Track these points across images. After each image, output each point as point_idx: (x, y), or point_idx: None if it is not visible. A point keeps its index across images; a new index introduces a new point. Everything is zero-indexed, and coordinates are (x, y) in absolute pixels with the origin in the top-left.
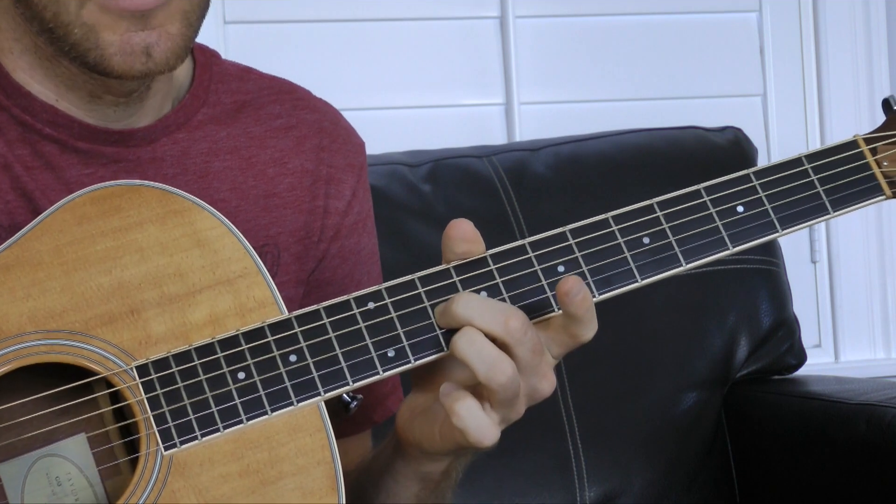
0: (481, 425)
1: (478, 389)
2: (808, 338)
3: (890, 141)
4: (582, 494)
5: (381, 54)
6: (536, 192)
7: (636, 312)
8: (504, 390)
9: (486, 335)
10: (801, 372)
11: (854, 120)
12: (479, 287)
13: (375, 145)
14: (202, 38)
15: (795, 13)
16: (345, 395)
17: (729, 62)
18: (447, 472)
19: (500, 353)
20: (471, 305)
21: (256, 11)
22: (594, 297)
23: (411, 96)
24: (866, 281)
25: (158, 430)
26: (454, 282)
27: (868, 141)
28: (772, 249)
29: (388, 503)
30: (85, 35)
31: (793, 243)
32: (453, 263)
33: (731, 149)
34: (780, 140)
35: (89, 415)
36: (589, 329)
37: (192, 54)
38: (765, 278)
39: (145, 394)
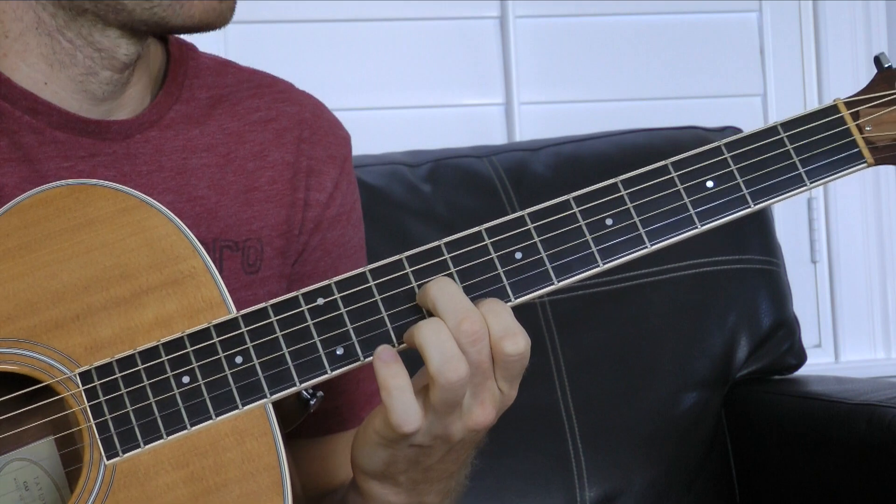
0: (408, 408)
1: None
2: (808, 338)
3: (874, 104)
4: (582, 494)
5: (381, 54)
6: (536, 192)
7: (636, 312)
8: (450, 390)
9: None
10: (801, 372)
11: None
12: (432, 278)
13: (375, 145)
14: (201, 38)
15: (795, 13)
16: (304, 391)
17: (729, 62)
18: (387, 476)
19: (460, 353)
20: (442, 291)
21: (256, 11)
22: (553, 283)
23: (411, 96)
24: (866, 281)
25: (101, 439)
26: (406, 273)
27: (850, 105)
28: (772, 249)
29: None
30: None
31: (793, 243)
32: (406, 253)
33: None
34: None
35: (46, 420)
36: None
37: (166, 47)
38: (765, 278)
39: (88, 401)
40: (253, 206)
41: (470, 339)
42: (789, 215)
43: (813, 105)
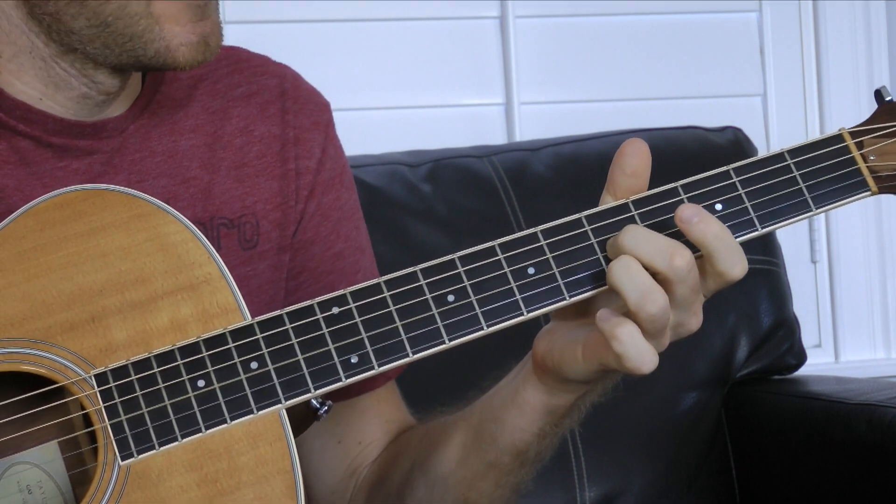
0: (641, 351)
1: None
2: (808, 338)
3: (878, 134)
4: (582, 494)
5: (381, 54)
6: (536, 192)
7: None
8: (653, 321)
9: (649, 268)
10: (801, 372)
11: (854, 120)
12: (446, 290)
13: (375, 145)
14: None
15: (795, 13)
16: (313, 401)
17: (729, 62)
18: (573, 408)
19: (653, 282)
20: (637, 238)
21: (256, 11)
22: (565, 299)
23: (411, 96)
24: (866, 281)
25: (116, 440)
26: (421, 285)
27: (854, 134)
28: (772, 249)
29: (511, 436)
30: (149, 26)
31: (793, 243)
32: (420, 266)
33: (731, 149)
34: (780, 140)
35: (51, 423)
36: (731, 264)
37: None
38: (765, 278)
39: (104, 402)
40: (245, 182)
41: (686, 270)
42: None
43: (813, 105)
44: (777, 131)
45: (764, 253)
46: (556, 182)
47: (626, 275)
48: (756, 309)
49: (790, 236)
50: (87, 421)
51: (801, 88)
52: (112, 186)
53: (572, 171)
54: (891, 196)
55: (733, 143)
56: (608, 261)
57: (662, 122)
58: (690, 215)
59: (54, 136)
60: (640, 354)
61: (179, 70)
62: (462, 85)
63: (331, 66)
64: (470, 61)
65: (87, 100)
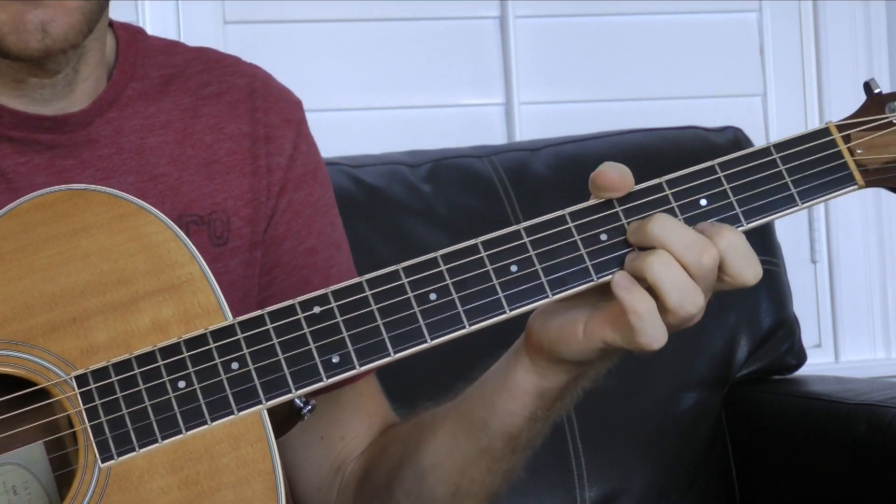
0: (657, 328)
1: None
2: (808, 338)
3: (865, 127)
4: (582, 494)
5: (381, 54)
6: (536, 192)
7: None
8: (689, 319)
9: (677, 260)
10: (801, 372)
11: None
12: (428, 289)
13: (375, 145)
14: (202, 38)
15: (795, 13)
16: (297, 400)
17: (729, 62)
18: (565, 392)
19: (693, 282)
20: (668, 229)
21: (256, 11)
22: (548, 296)
23: (411, 96)
24: (866, 281)
25: (96, 442)
26: (402, 284)
27: (841, 128)
28: (772, 249)
29: (503, 421)
30: None
31: (793, 243)
32: (403, 264)
33: (731, 149)
34: None
35: (36, 424)
36: (742, 268)
37: (115, 32)
38: (765, 278)
39: (84, 404)
40: (215, 179)
41: (711, 270)
42: (789, 215)
43: (812, 105)
44: (777, 131)
45: (764, 253)
46: (556, 182)
47: (668, 273)
48: (756, 309)
49: (790, 236)
50: (72, 422)
51: (800, 88)
52: (94, 186)
53: (572, 171)
54: (891, 194)
55: (733, 143)
56: (592, 257)
57: (662, 122)
58: (705, 225)
59: (12, 130)
60: (655, 331)
61: (22, 60)
62: (462, 85)
63: (331, 66)
64: (470, 61)
65: (21, 84)
